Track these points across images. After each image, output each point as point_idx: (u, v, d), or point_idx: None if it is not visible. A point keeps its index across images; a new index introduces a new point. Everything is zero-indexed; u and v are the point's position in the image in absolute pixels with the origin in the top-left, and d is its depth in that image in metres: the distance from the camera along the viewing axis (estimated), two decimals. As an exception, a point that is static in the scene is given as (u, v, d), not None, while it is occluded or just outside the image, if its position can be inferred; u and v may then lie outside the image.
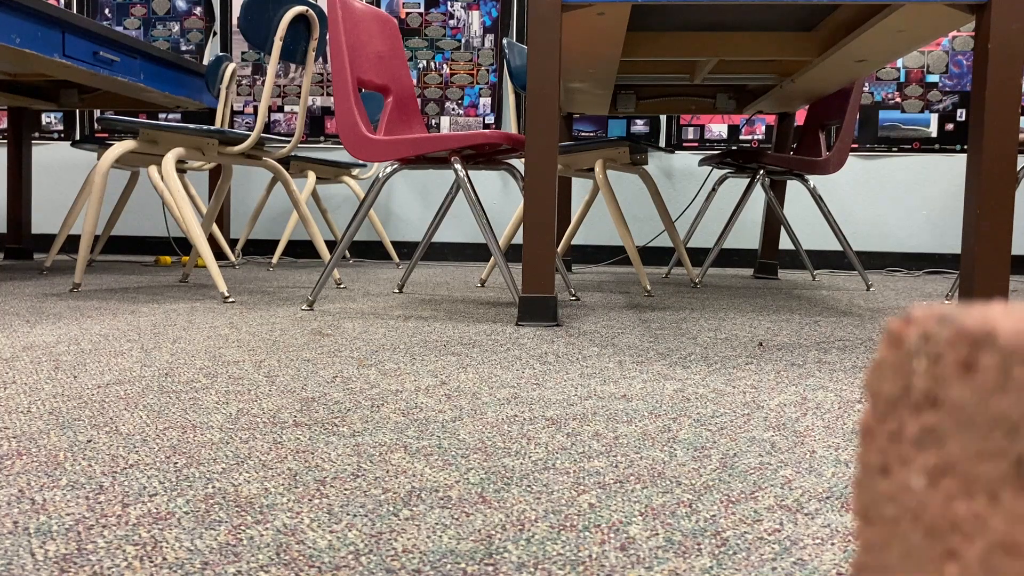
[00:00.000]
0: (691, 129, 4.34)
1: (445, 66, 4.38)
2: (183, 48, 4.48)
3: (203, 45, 4.48)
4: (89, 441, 0.92)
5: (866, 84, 4.23)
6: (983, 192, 1.82)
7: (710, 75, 3.11)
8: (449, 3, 4.35)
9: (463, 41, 4.36)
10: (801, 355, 1.58)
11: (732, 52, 2.66)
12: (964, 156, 4.24)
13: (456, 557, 0.63)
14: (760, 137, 4.33)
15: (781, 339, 1.78)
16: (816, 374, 1.39)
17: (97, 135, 4.61)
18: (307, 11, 2.53)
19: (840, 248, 4.26)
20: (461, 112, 4.38)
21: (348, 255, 4.48)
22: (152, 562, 0.61)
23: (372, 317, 2.06)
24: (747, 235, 4.35)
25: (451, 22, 4.36)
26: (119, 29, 4.48)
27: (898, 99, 4.22)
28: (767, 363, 1.49)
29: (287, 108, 4.48)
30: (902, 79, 4.21)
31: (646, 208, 4.37)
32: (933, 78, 4.20)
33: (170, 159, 2.41)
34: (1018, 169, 3.38)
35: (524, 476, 0.82)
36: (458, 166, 2.19)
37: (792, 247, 4.27)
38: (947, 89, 4.20)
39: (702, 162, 3.45)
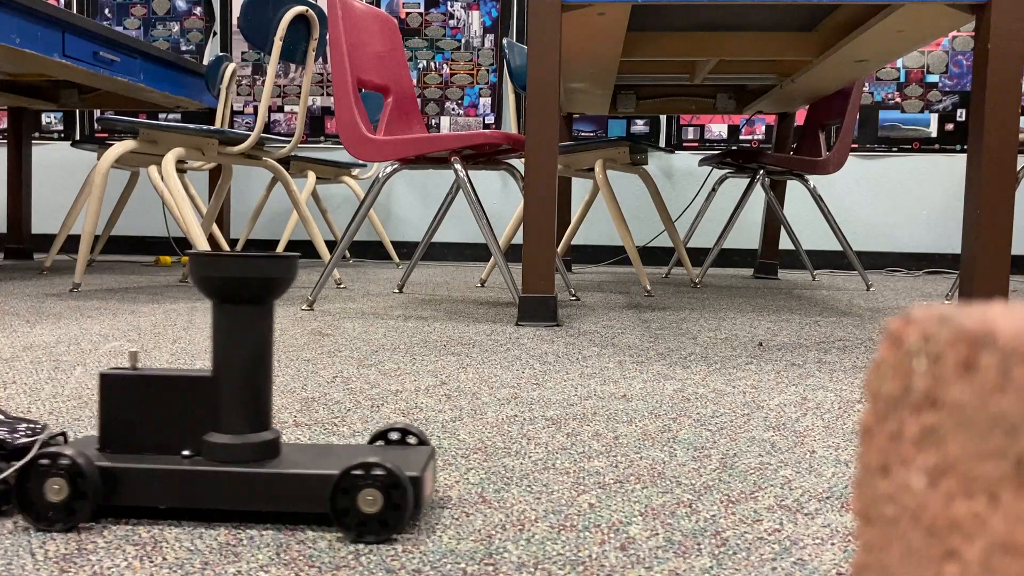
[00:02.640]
0: (691, 129, 4.34)
1: (445, 66, 4.38)
2: (183, 48, 4.48)
3: (203, 45, 4.48)
4: (89, 441, 0.92)
5: (866, 84, 4.23)
6: (983, 192, 1.82)
7: (710, 75, 3.11)
8: (449, 3, 4.35)
9: (463, 41, 4.36)
10: (801, 355, 1.58)
11: (732, 52, 2.66)
12: (964, 156, 4.24)
13: (456, 557, 0.63)
14: (760, 137, 4.33)
15: (781, 339, 1.78)
16: (816, 374, 1.39)
17: (97, 135, 4.61)
18: (307, 11, 2.53)
19: (840, 248, 4.26)
20: (461, 112, 4.38)
21: (348, 255, 4.48)
22: (152, 562, 0.61)
23: (372, 317, 2.06)
24: (747, 235, 4.36)
25: (451, 22, 4.36)
26: (119, 29, 4.49)
27: (898, 99, 4.22)
28: (767, 363, 1.49)
29: (287, 108, 4.48)
30: (902, 79, 4.21)
31: (646, 208, 4.37)
32: (933, 78, 4.20)
33: (170, 159, 2.41)
34: (1018, 169, 3.38)
35: (524, 476, 0.82)
36: (458, 166, 2.19)
37: (792, 247, 4.27)
38: (947, 89, 4.20)
39: (702, 162, 3.45)
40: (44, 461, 0.66)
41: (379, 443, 0.77)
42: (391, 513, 0.65)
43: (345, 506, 0.65)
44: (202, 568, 0.60)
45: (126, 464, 0.68)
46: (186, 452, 0.70)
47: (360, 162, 4.01)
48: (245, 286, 0.67)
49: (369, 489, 0.65)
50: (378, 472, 0.65)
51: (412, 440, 0.77)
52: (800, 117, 4.14)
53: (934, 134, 4.22)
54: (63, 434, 0.74)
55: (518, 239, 4.40)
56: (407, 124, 2.45)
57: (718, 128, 4.33)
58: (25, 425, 0.72)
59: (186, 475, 0.67)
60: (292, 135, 4.17)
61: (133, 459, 0.69)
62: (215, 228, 3.82)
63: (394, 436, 0.77)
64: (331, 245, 4.50)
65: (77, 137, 4.62)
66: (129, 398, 0.70)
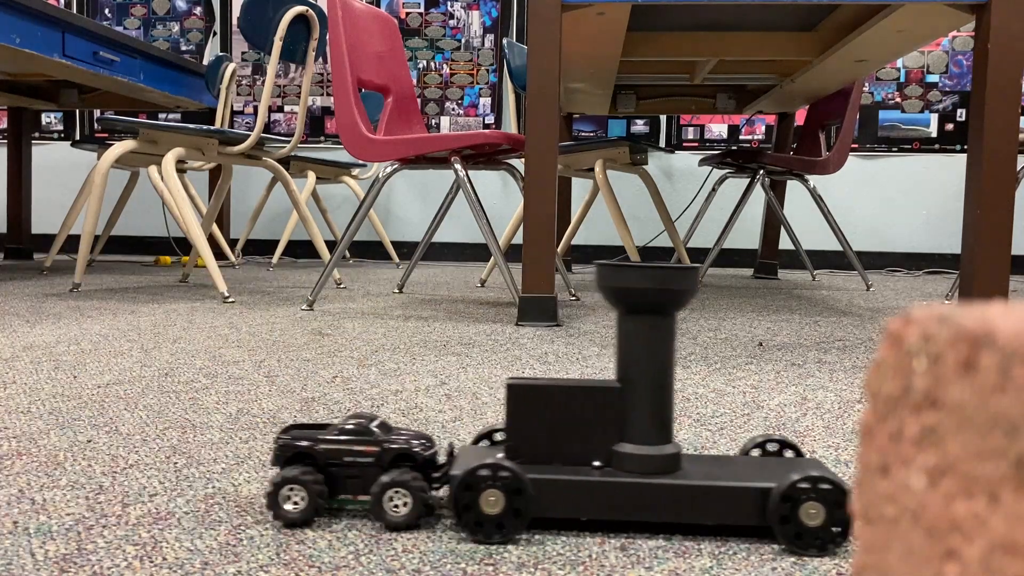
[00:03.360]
0: (691, 129, 4.34)
1: (445, 66, 4.38)
2: (183, 48, 4.48)
3: (203, 45, 4.47)
4: (89, 441, 0.92)
5: (866, 84, 4.23)
6: (983, 192, 1.82)
7: (710, 75, 3.11)
8: (449, 3, 4.35)
9: (463, 41, 4.36)
10: (801, 355, 1.58)
11: (732, 52, 2.66)
12: (964, 156, 4.24)
13: (456, 557, 0.63)
14: (760, 137, 4.33)
15: (781, 339, 1.78)
16: (816, 374, 1.39)
17: (97, 135, 4.61)
18: (307, 11, 2.53)
19: (840, 248, 4.26)
20: (461, 112, 4.38)
21: (348, 255, 4.48)
22: (152, 562, 0.61)
23: (372, 317, 2.06)
24: (747, 235, 4.35)
25: (451, 22, 4.36)
26: (119, 29, 4.48)
27: (898, 99, 4.21)
28: (767, 363, 1.49)
29: (287, 108, 4.48)
30: (902, 79, 4.21)
31: (646, 208, 4.37)
32: (933, 78, 4.20)
33: (170, 159, 2.41)
34: (1018, 169, 3.38)
35: (524, 476, 0.82)
36: (458, 166, 2.19)
37: (792, 247, 4.27)
38: (947, 89, 4.20)
39: (702, 162, 3.45)
40: (481, 473, 0.66)
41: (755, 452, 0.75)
42: (836, 527, 0.64)
43: (787, 519, 0.64)
44: (202, 568, 0.60)
45: (552, 476, 0.67)
46: (597, 463, 0.69)
47: (360, 162, 4.01)
48: (657, 297, 0.67)
49: (812, 502, 0.64)
50: (824, 486, 0.64)
51: (789, 453, 0.75)
52: (800, 117, 4.13)
53: (934, 134, 4.22)
54: (451, 446, 0.74)
55: (518, 239, 4.40)
56: (407, 124, 2.45)
57: (718, 128, 4.33)
58: (417, 437, 0.71)
59: (612, 487, 0.67)
60: (292, 135, 4.17)
61: (551, 470, 0.68)
62: (215, 228, 3.82)
63: (772, 447, 0.76)
64: (331, 245, 4.50)
65: (77, 137, 4.62)
66: (536, 408, 0.70)
